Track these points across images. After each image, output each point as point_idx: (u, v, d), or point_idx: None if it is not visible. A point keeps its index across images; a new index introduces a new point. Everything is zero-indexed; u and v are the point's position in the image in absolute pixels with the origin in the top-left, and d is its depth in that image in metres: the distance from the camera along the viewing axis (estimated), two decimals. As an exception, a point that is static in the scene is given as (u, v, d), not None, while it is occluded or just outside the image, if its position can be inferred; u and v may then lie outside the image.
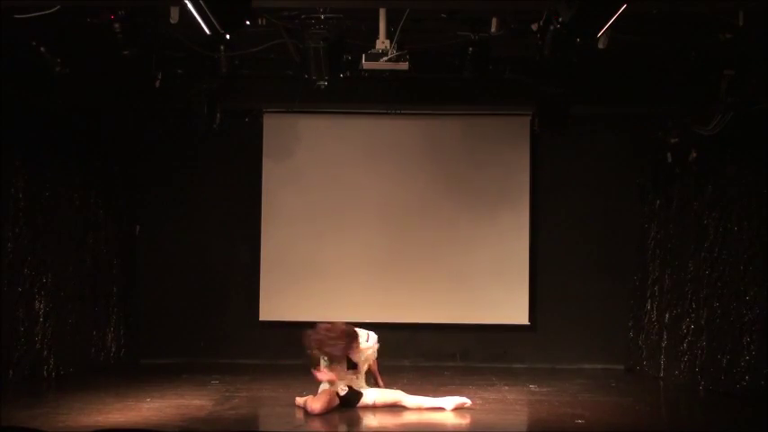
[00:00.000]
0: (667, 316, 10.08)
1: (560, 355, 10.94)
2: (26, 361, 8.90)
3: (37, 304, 9.11)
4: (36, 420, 6.63)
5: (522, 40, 7.91)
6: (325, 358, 7.51)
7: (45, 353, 9.21)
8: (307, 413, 7.34)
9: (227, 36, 7.24)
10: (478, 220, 11.04)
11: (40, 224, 9.18)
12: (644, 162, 10.88)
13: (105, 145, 10.48)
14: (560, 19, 7.00)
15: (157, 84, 8.97)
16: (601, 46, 7.59)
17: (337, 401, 7.46)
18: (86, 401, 7.69)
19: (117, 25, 7.38)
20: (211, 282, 11.11)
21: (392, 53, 7.66)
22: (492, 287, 10.95)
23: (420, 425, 7.12)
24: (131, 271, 11.04)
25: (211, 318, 11.04)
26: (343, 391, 7.47)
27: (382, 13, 7.55)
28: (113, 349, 10.53)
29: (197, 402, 7.81)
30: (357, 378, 7.66)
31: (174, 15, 7.22)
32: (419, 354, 10.96)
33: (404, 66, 7.77)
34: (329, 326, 7.51)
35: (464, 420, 7.24)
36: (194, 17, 6.34)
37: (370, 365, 7.75)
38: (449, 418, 7.27)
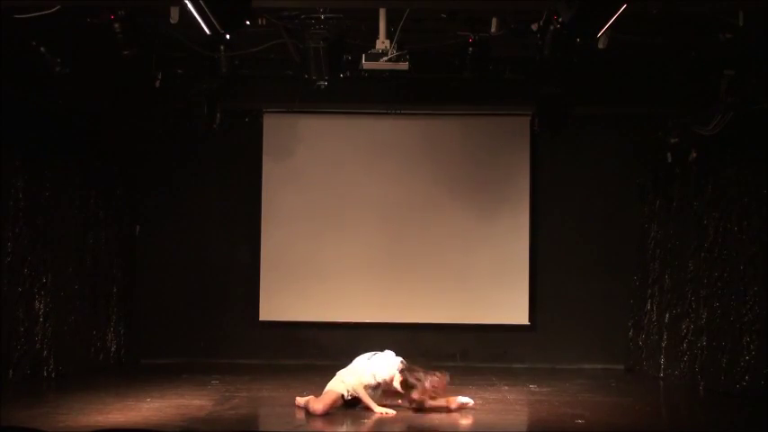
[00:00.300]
0: (667, 316, 10.08)
1: (560, 355, 10.94)
2: (26, 361, 8.90)
3: (37, 304, 9.11)
4: (36, 420, 6.63)
5: (522, 40, 7.91)
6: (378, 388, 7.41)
7: (45, 353, 9.21)
8: (308, 413, 7.34)
9: (227, 36, 7.24)
10: (478, 219, 11.04)
11: (40, 224, 9.18)
12: (644, 162, 10.88)
13: (105, 145, 10.48)
14: (560, 19, 7.01)
15: (157, 84, 8.97)
16: (601, 46, 7.59)
17: (341, 403, 7.45)
18: (86, 401, 7.69)
19: (117, 25, 7.39)
20: (211, 282, 11.11)
21: (392, 53, 7.67)
22: (492, 287, 10.95)
23: (420, 425, 7.11)
24: (131, 271, 11.03)
25: (211, 318, 11.04)
26: (349, 396, 7.46)
27: (382, 13, 7.55)
28: (113, 349, 10.53)
29: (197, 402, 7.81)
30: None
31: (174, 15, 7.23)
32: (419, 354, 10.92)
33: (404, 66, 7.77)
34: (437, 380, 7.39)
35: (464, 420, 7.23)
36: (194, 17, 6.34)
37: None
38: (449, 418, 7.27)
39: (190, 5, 6.16)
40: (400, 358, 7.47)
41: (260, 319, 11.00)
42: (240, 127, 10.97)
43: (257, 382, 9.27)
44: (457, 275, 10.95)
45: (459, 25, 7.99)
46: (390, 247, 11.01)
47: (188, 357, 10.81)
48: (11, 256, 8.71)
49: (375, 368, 7.38)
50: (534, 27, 7.59)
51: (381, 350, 7.69)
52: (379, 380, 7.37)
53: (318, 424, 7.05)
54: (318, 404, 7.30)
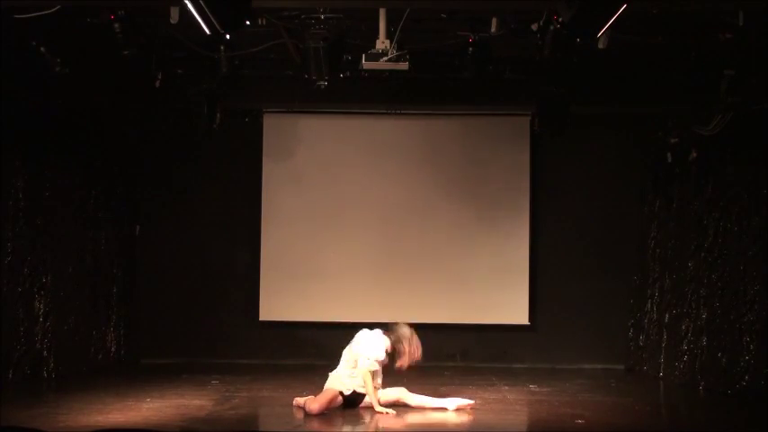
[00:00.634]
0: (667, 316, 10.07)
1: (560, 355, 10.94)
2: (26, 361, 8.90)
3: (37, 304, 9.11)
4: (36, 420, 6.63)
5: (522, 40, 7.91)
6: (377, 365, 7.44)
7: (45, 353, 9.20)
8: (306, 413, 7.33)
9: (227, 36, 7.24)
10: (478, 219, 11.04)
11: (40, 224, 9.18)
12: (644, 162, 10.89)
13: (105, 145, 10.48)
14: (560, 19, 7.01)
15: (157, 84, 8.96)
16: (601, 46, 7.59)
17: (340, 401, 7.44)
18: (86, 401, 7.69)
19: (117, 25, 7.38)
20: (211, 282, 11.11)
21: (392, 53, 7.66)
22: (492, 287, 10.95)
23: (421, 425, 7.11)
24: (131, 271, 11.03)
25: (211, 318, 11.04)
26: (348, 391, 7.46)
27: (382, 13, 7.55)
28: (113, 349, 10.53)
29: (197, 402, 7.81)
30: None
31: (174, 15, 7.22)
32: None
33: (404, 66, 7.77)
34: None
35: (464, 420, 7.23)
36: (194, 17, 6.33)
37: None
38: (449, 418, 7.27)
39: (190, 5, 6.16)
40: (377, 330, 7.47)
41: (260, 319, 11.00)
42: (240, 127, 10.97)
43: (257, 382, 9.28)
44: (457, 275, 10.96)
45: (459, 25, 7.98)
46: (390, 247, 11.02)
47: (188, 357, 10.81)
48: (11, 256, 8.71)
49: (371, 353, 7.37)
50: (534, 27, 7.58)
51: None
52: (381, 360, 7.38)
53: (318, 424, 7.05)
54: (314, 403, 7.28)
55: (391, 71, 8.03)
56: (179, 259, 11.10)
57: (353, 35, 7.97)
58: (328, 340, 10.70)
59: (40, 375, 9.09)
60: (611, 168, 11.09)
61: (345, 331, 10.74)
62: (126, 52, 7.58)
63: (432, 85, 9.75)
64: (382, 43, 7.65)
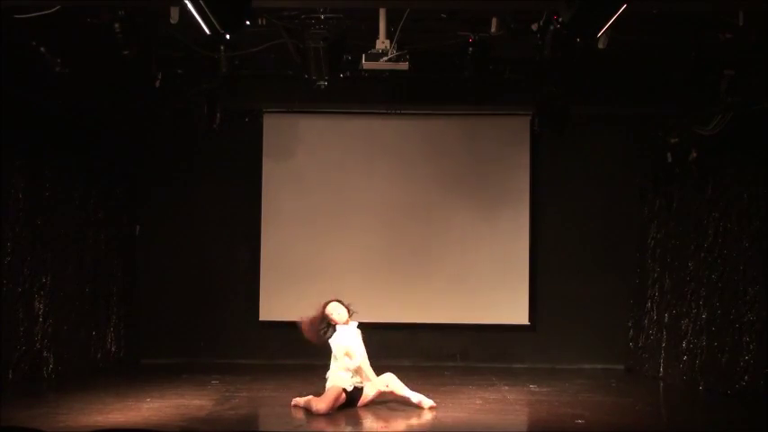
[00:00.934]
0: (667, 316, 10.08)
1: (560, 355, 10.94)
2: (26, 361, 8.90)
3: (37, 304, 9.11)
4: (36, 420, 6.63)
5: (522, 40, 7.91)
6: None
7: (45, 353, 9.21)
8: (308, 413, 7.34)
9: (227, 36, 7.24)
10: (478, 219, 11.04)
11: (40, 224, 9.18)
12: (644, 162, 10.88)
13: (105, 145, 10.48)
14: (560, 19, 7.01)
15: (157, 84, 8.97)
16: (601, 46, 7.59)
17: (344, 398, 7.46)
18: (86, 401, 7.70)
19: (117, 25, 7.38)
20: (211, 282, 11.11)
21: (392, 53, 7.67)
22: (492, 287, 10.95)
23: (421, 425, 7.12)
24: (131, 271, 11.04)
25: (211, 318, 11.04)
26: (350, 387, 7.48)
27: (382, 13, 7.55)
28: (113, 349, 10.53)
29: (197, 402, 7.81)
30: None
31: (174, 15, 7.23)
32: (419, 354, 10.96)
33: (404, 66, 7.78)
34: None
35: (464, 420, 7.23)
36: (194, 17, 6.34)
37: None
38: (449, 418, 7.27)
39: (190, 5, 6.16)
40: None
41: (260, 319, 11.00)
42: (240, 127, 10.97)
43: (257, 382, 9.28)
44: (457, 275, 10.96)
45: (459, 25, 7.98)
46: (390, 247, 11.02)
47: (188, 357, 10.81)
48: (11, 256, 8.71)
49: (349, 343, 7.53)
50: (534, 27, 7.58)
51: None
52: (345, 343, 7.55)
53: (318, 424, 7.05)
54: (321, 403, 7.30)
55: (391, 71, 8.04)
56: (179, 259, 11.10)
57: (353, 35, 7.97)
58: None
59: (40, 375, 9.10)
60: (611, 168, 11.09)
61: (345, 331, 10.75)
62: (126, 52, 7.58)
63: (432, 85, 9.76)
64: (382, 43, 7.66)
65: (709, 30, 7.84)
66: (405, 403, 7.62)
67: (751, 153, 8.68)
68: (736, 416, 7.86)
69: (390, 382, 7.68)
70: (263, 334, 10.96)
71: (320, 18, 7.50)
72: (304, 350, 10.96)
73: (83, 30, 7.69)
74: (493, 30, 7.82)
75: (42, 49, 8.05)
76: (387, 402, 7.72)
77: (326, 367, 7.71)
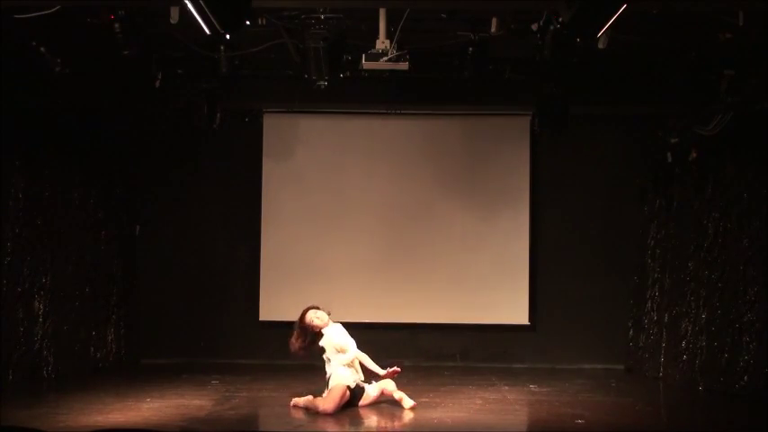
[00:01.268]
0: (667, 316, 10.07)
1: (560, 355, 10.94)
2: (26, 361, 8.90)
3: (37, 304, 9.11)
4: (36, 420, 6.63)
5: (522, 40, 7.91)
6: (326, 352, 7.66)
7: (45, 353, 9.21)
8: (310, 413, 7.33)
9: (227, 36, 7.25)
10: (478, 219, 11.04)
11: (40, 224, 9.18)
12: (644, 162, 10.88)
13: (105, 145, 10.48)
14: (560, 19, 7.01)
15: (157, 84, 8.97)
16: (601, 46, 7.60)
17: (348, 396, 7.47)
18: (86, 401, 7.70)
19: (117, 25, 7.39)
20: (211, 282, 11.11)
21: (392, 53, 7.67)
22: (492, 287, 10.95)
23: (421, 425, 7.11)
24: (131, 271, 11.03)
25: (211, 318, 11.05)
26: (353, 384, 7.50)
27: (382, 13, 7.56)
28: (113, 349, 10.53)
29: (197, 402, 7.81)
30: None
31: (174, 15, 7.23)
32: (419, 354, 10.96)
33: (404, 66, 7.78)
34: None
35: (464, 420, 7.23)
36: (194, 17, 6.34)
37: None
38: (449, 418, 7.27)
39: (190, 5, 6.16)
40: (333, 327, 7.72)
41: (260, 319, 11.00)
42: (240, 127, 10.97)
43: (257, 382, 9.28)
44: (457, 275, 10.96)
45: (459, 25, 7.99)
46: (390, 247, 11.01)
47: (188, 357, 10.81)
48: (11, 256, 8.71)
49: (338, 339, 7.61)
50: (534, 27, 7.59)
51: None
52: (339, 341, 7.61)
53: (318, 424, 7.05)
54: (328, 403, 7.30)
55: (391, 71, 8.04)
56: (179, 259, 11.10)
57: (353, 35, 7.98)
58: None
59: (39, 375, 9.09)
60: (611, 168, 11.09)
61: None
62: (126, 52, 7.59)
63: (432, 85, 9.76)
64: (382, 43, 7.66)
65: (709, 30, 7.84)
66: (397, 403, 7.64)
67: (751, 153, 8.68)
68: (736, 416, 7.85)
69: (386, 386, 7.69)
70: (263, 334, 10.95)
71: (320, 18, 7.51)
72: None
73: (83, 30, 7.70)
74: (493, 30, 7.82)
75: (42, 49, 8.06)
76: (387, 402, 7.72)
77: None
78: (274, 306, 10.93)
